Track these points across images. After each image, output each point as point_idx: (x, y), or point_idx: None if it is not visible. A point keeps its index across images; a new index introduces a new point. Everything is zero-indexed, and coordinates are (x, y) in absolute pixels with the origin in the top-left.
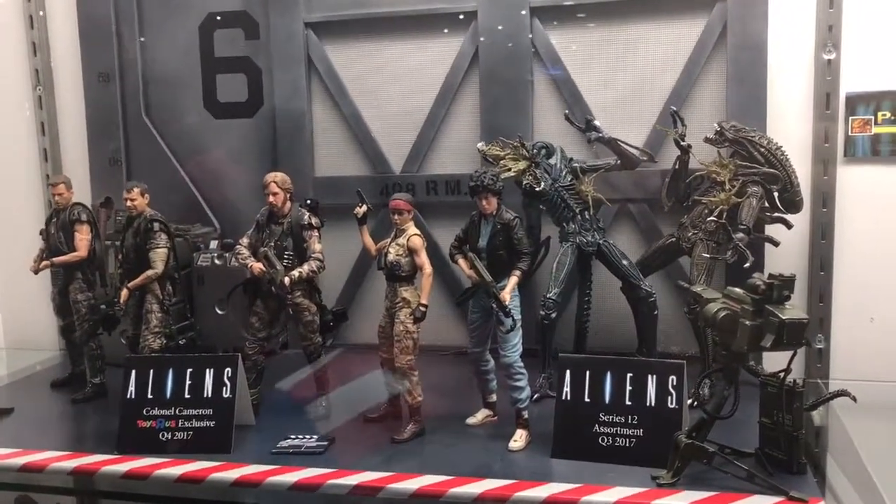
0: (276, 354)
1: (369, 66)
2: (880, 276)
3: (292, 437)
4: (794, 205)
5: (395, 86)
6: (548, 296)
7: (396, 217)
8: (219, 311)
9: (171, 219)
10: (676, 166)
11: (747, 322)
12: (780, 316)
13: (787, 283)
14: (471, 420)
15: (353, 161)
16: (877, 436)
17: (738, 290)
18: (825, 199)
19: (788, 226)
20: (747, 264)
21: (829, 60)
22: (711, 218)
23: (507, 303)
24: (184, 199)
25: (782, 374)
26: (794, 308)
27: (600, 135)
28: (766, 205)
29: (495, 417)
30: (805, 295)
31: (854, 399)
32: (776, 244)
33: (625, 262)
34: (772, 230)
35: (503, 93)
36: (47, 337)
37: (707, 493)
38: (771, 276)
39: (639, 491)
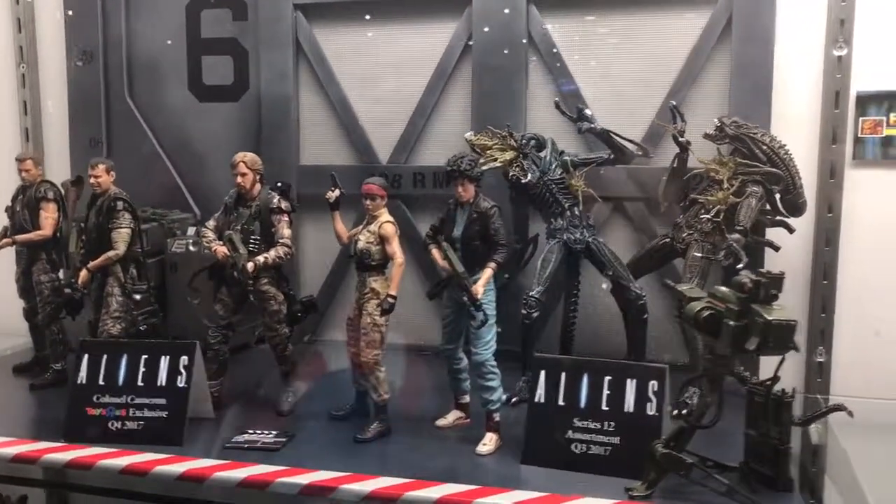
0: (249, 348)
1: (359, 51)
2: (887, 287)
3: (250, 431)
4: (796, 208)
5: (386, 72)
6: (530, 294)
7: (369, 203)
8: (191, 301)
9: (150, 203)
10: (675, 164)
11: (731, 322)
12: (766, 316)
13: (775, 281)
14: (441, 422)
15: (339, 150)
16: (877, 457)
17: (724, 288)
18: (831, 203)
19: (790, 230)
20: (740, 265)
21: (840, 57)
22: (706, 216)
23: (479, 296)
24: (164, 184)
25: (769, 383)
26: (782, 309)
27: (592, 125)
28: (767, 207)
29: (467, 419)
30: (806, 305)
31: (850, 414)
32: (776, 249)
33: (615, 262)
34: (772, 234)
35: (497, 82)
36: (23, 322)
37: None
38: (758, 273)
39: (609, 502)
